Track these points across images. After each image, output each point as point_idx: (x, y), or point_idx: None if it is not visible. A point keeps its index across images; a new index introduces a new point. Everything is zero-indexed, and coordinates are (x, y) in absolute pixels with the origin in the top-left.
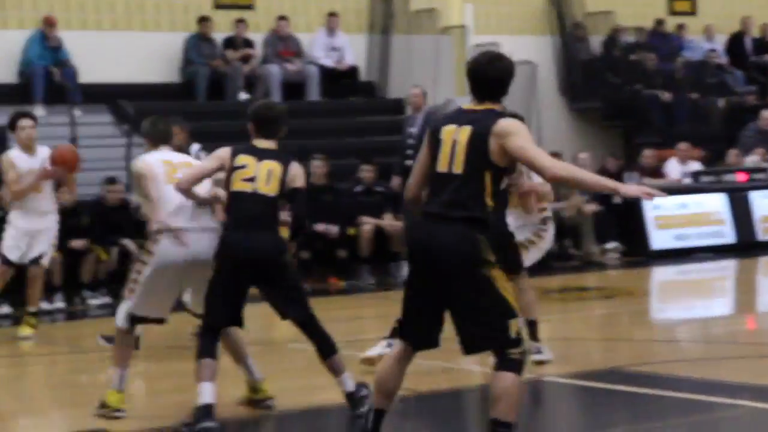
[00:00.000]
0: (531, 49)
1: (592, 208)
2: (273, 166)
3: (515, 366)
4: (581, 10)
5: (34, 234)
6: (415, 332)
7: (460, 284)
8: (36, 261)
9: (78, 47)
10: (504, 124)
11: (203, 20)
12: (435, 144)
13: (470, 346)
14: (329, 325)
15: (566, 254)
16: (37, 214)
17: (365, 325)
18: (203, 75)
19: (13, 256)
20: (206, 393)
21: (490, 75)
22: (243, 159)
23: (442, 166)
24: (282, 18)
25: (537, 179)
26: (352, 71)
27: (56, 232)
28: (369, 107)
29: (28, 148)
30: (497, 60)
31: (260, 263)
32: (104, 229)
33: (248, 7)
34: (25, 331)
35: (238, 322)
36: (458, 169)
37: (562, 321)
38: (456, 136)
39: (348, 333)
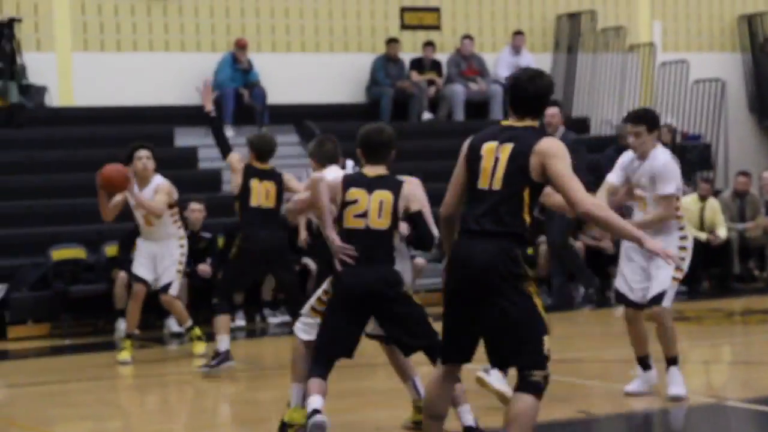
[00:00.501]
0: (720, 66)
1: None
2: (384, 196)
3: (537, 389)
4: None
5: (156, 258)
6: (455, 350)
7: (500, 299)
8: (165, 289)
9: (267, 69)
10: (548, 143)
11: (391, 41)
12: (475, 160)
13: (502, 360)
14: None
15: (750, 276)
16: (154, 240)
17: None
18: (388, 96)
19: (143, 273)
20: (315, 401)
21: (530, 92)
22: (354, 193)
23: (482, 183)
24: (467, 37)
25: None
26: None
27: (179, 258)
28: None
29: (142, 179)
30: (538, 77)
31: (374, 297)
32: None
33: (435, 27)
34: (199, 348)
35: (350, 353)
36: (498, 185)
37: (745, 344)
38: (498, 153)
39: None
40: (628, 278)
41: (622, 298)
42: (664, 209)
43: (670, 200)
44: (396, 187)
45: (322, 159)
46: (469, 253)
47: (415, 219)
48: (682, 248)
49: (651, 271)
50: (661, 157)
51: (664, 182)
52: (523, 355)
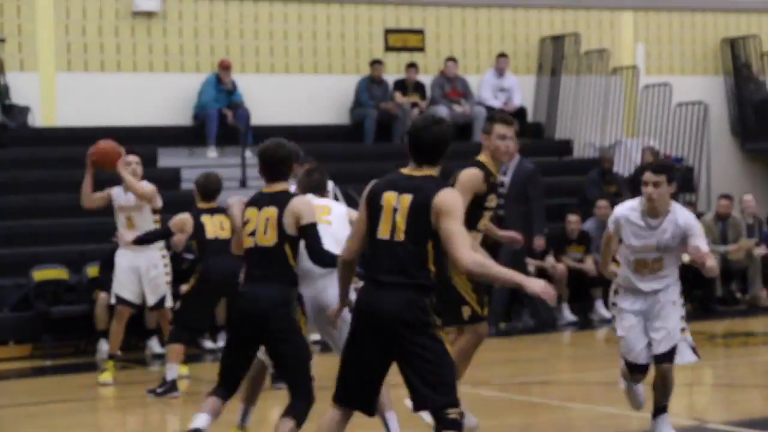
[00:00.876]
0: (702, 89)
1: (761, 251)
2: (270, 212)
3: (456, 425)
4: (756, 50)
5: (140, 271)
6: (352, 394)
7: (410, 346)
8: (160, 305)
9: (251, 90)
10: (443, 197)
11: (375, 63)
12: (375, 210)
13: (422, 403)
14: (487, 367)
15: (733, 298)
16: (135, 251)
17: (524, 367)
18: (372, 117)
19: (127, 295)
20: (200, 420)
21: (424, 140)
22: (248, 213)
23: (383, 233)
24: (450, 59)
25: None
26: (520, 112)
27: (164, 269)
28: (536, 148)
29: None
30: (435, 125)
31: (258, 319)
32: None
33: (419, 49)
34: (182, 370)
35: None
36: (400, 236)
37: (726, 366)
38: (397, 204)
39: (508, 376)
40: (630, 340)
41: (630, 366)
42: (707, 259)
43: (705, 252)
44: (283, 202)
45: (306, 188)
46: (377, 304)
47: (304, 233)
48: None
49: (654, 323)
50: (685, 212)
51: (698, 236)
52: (437, 397)
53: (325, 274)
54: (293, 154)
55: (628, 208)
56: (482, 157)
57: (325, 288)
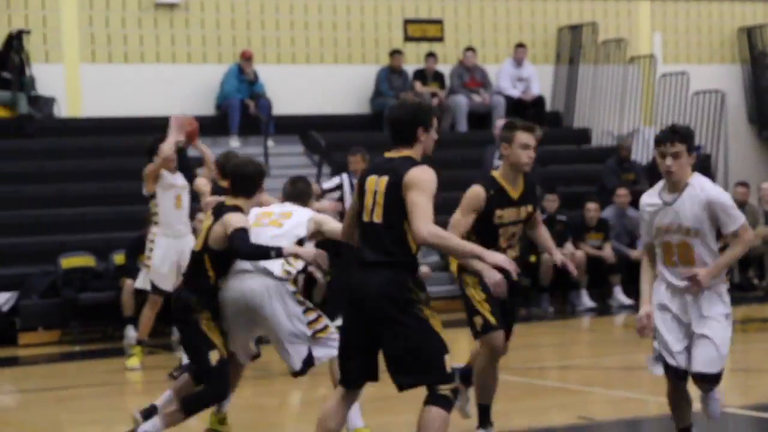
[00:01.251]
0: (719, 78)
1: None
2: (206, 223)
3: (445, 402)
4: None
5: (180, 260)
6: (352, 372)
7: (395, 325)
8: None
9: (272, 80)
10: (412, 173)
11: (395, 53)
12: (361, 195)
13: (405, 382)
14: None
15: (750, 284)
16: (176, 236)
17: (543, 353)
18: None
19: (165, 286)
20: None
21: (391, 121)
22: (206, 222)
23: (366, 216)
24: (469, 49)
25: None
26: (539, 101)
27: None
28: (555, 136)
29: (172, 169)
30: (404, 105)
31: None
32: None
33: (438, 39)
34: None
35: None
36: (378, 218)
37: (744, 352)
38: (376, 187)
39: (526, 360)
40: (667, 338)
41: (667, 369)
42: (741, 246)
43: (743, 233)
44: (218, 215)
45: (289, 197)
46: (363, 283)
47: (230, 239)
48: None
49: (700, 330)
50: (711, 186)
51: (731, 213)
52: (427, 374)
53: (253, 275)
54: (261, 172)
55: (649, 191)
56: (497, 173)
57: (251, 288)
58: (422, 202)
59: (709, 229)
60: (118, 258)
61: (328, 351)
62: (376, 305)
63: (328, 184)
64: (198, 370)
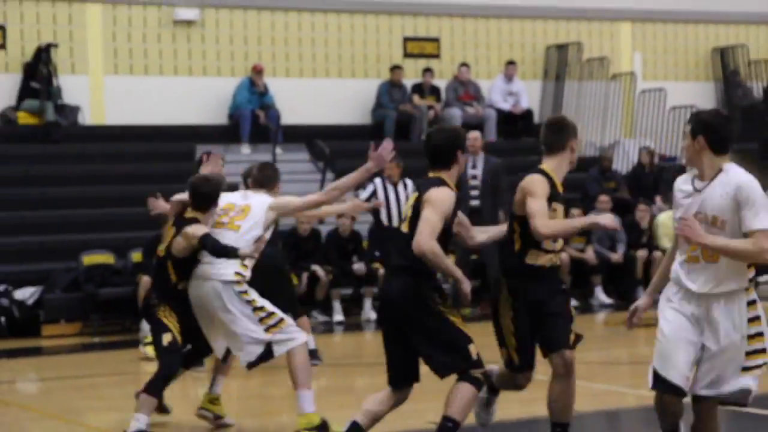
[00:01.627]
0: (694, 95)
1: None
2: (171, 232)
3: (476, 382)
4: (744, 58)
5: None
6: (394, 374)
7: (417, 326)
8: None
9: (281, 92)
10: (431, 192)
11: (395, 68)
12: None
13: (441, 370)
14: (494, 347)
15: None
16: None
17: None
18: (392, 118)
19: None
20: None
21: (439, 144)
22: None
23: (404, 227)
24: (464, 65)
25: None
26: (527, 114)
27: None
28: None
29: None
30: (441, 132)
31: None
32: (296, 256)
33: (435, 56)
34: None
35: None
36: (406, 228)
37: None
38: (411, 202)
39: None
40: (679, 358)
41: (661, 383)
42: (753, 249)
43: (763, 239)
44: (179, 226)
45: (257, 183)
46: (386, 289)
47: (202, 245)
48: (754, 319)
49: (723, 343)
50: (744, 173)
51: (758, 211)
52: (458, 364)
53: (204, 281)
54: (219, 188)
55: (684, 176)
56: (545, 166)
57: (205, 293)
58: (432, 218)
59: (738, 222)
60: (136, 256)
61: (285, 345)
62: (397, 308)
63: (363, 194)
64: (155, 350)
